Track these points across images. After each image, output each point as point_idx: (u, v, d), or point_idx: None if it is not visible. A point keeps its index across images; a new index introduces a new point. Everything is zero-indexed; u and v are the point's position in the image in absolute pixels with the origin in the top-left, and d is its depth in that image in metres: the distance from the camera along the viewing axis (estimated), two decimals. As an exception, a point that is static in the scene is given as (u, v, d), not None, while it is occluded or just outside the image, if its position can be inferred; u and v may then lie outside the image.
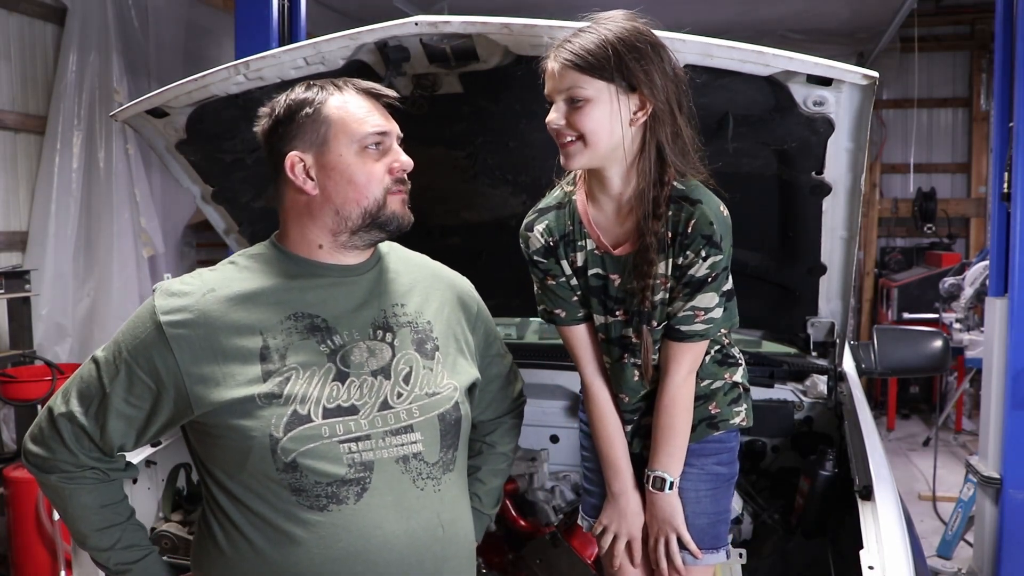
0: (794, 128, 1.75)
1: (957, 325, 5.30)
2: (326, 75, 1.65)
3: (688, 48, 1.58)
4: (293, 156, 1.40)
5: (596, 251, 1.58)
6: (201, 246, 5.59)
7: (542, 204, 1.63)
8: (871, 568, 1.51)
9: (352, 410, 1.37)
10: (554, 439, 2.61)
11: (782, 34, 6.26)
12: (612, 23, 1.44)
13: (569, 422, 2.58)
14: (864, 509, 1.68)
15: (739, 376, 1.71)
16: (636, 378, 1.65)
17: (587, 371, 1.69)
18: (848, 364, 2.54)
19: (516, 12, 2.32)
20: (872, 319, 7.22)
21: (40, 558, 3.37)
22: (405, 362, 1.44)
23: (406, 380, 1.42)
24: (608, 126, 1.44)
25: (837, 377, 2.38)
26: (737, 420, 1.69)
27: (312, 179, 1.40)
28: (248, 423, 1.32)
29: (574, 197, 1.59)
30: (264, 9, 3.68)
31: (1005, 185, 3.22)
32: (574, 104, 1.43)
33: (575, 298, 1.63)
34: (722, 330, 1.63)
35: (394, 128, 1.45)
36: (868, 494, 1.71)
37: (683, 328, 1.55)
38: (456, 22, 1.65)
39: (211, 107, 1.94)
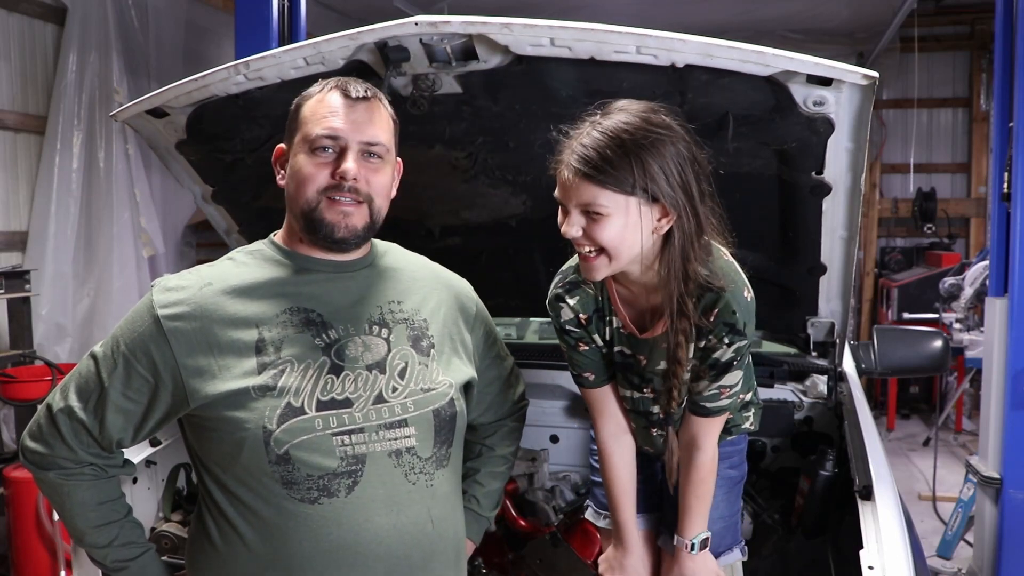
0: (794, 128, 1.74)
1: (957, 325, 5.31)
2: (326, 75, 1.65)
3: (688, 48, 1.58)
4: (280, 146, 1.47)
5: (622, 330, 1.56)
6: (201, 246, 5.59)
7: (571, 276, 1.56)
8: (871, 568, 1.51)
9: (346, 403, 1.36)
10: (554, 439, 2.61)
11: (782, 34, 6.26)
12: (627, 118, 1.33)
13: (569, 422, 2.58)
14: (864, 509, 1.69)
15: (749, 395, 1.73)
16: (662, 441, 1.67)
17: (604, 432, 1.68)
18: (848, 364, 2.54)
19: (516, 12, 2.33)
20: (872, 319, 7.23)
21: (40, 558, 3.36)
22: (400, 357, 1.43)
23: (401, 375, 1.42)
24: (630, 238, 1.36)
25: (837, 377, 2.38)
26: (746, 425, 1.74)
27: (284, 171, 1.46)
28: (242, 415, 1.32)
29: None
30: (264, 9, 3.69)
31: (1005, 185, 3.22)
32: (591, 216, 1.34)
33: (604, 361, 1.62)
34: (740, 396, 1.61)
35: (356, 136, 1.39)
36: (868, 494, 1.72)
37: (709, 405, 1.54)
38: (456, 22, 1.65)
39: (211, 107, 1.94)
